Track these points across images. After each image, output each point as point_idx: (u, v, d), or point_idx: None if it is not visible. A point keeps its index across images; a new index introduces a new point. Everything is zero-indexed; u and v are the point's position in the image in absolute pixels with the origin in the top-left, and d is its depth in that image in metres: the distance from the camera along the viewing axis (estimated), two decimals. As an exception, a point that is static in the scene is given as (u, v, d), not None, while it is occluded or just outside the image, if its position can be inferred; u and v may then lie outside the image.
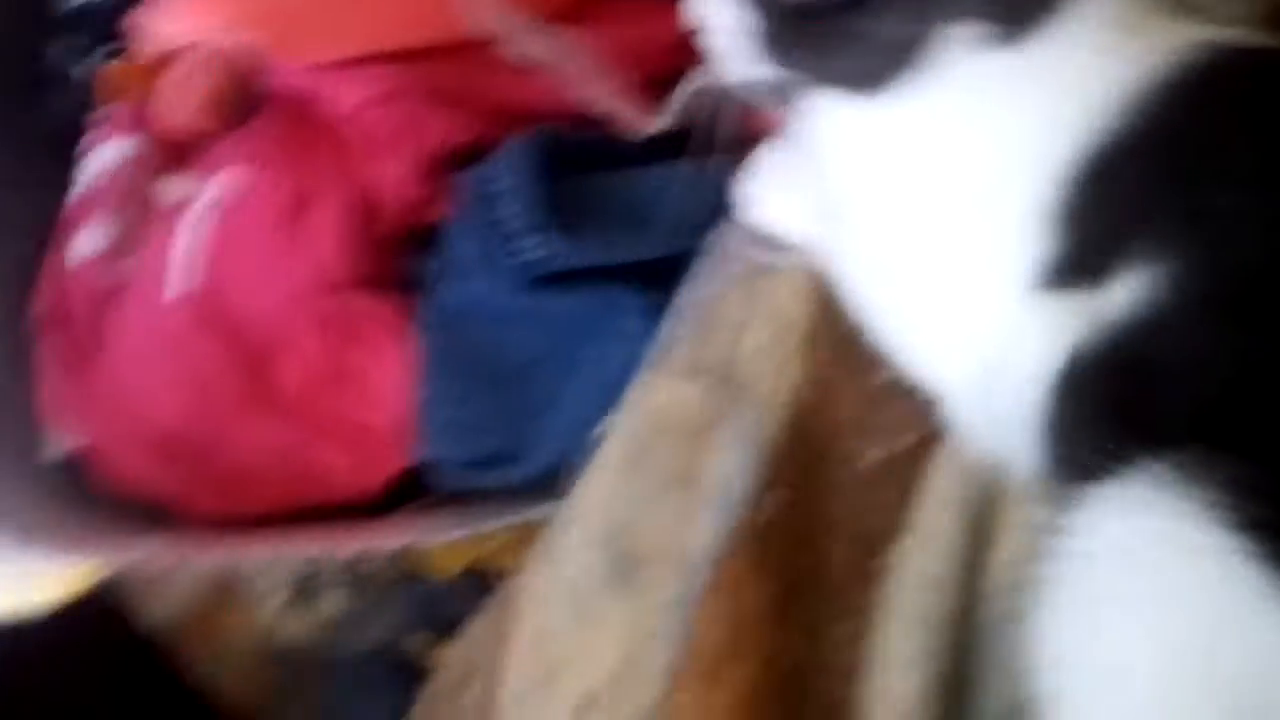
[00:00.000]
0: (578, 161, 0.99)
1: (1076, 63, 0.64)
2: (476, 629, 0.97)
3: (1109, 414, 0.61)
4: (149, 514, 1.09)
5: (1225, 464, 0.53)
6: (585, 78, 0.92)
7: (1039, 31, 0.64)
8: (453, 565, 1.12)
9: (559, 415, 0.96)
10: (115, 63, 1.16)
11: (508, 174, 0.96)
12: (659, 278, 0.97)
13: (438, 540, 0.97)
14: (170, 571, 1.18)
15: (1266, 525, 0.51)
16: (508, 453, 0.97)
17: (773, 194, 0.86)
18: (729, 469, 0.82)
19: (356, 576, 1.15)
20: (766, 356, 0.84)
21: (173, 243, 1.07)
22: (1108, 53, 0.64)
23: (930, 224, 0.69)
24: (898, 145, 0.69)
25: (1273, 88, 0.64)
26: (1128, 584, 0.54)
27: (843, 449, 0.82)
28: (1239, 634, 0.52)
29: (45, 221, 1.16)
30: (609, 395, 0.92)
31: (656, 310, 0.96)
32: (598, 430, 0.92)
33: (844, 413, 0.82)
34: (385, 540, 0.96)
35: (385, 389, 1.02)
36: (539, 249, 0.95)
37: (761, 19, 0.65)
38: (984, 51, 0.64)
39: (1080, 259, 0.63)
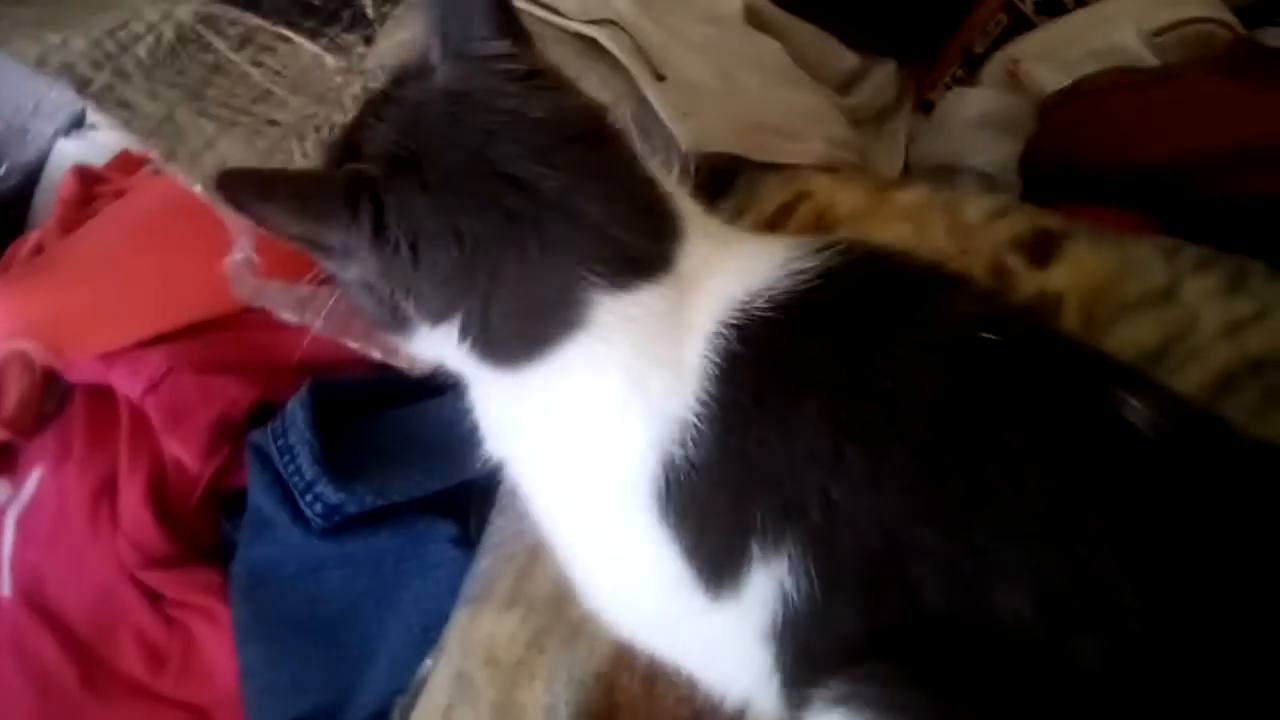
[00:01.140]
0: (362, 404, 1.01)
1: (600, 391, 0.64)
2: None
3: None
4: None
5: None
6: (353, 329, 0.95)
7: (531, 367, 0.64)
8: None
9: (381, 659, 0.97)
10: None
11: (290, 430, 0.98)
12: (460, 503, 0.99)
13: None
14: None
15: None
16: (333, 704, 0.97)
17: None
18: (549, 699, 0.82)
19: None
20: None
21: (-1, 545, 1.09)
22: (636, 373, 0.63)
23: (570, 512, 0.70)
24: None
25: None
26: None
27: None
28: None
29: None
30: (430, 631, 0.93)
31: (464, 536, 0.98)
32: (422, 669, 0.92)
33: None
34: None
35: (220, 655, 1.03)
36: (330, 497, 0.96)
37: None
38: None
39: (709, 571, 0.63)
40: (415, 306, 0.64)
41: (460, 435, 0.97)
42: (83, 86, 0.98)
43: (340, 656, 0.98)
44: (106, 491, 1.06)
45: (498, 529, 0.94)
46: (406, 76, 0.67)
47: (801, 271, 0.63)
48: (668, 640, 0.71)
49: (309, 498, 0.97)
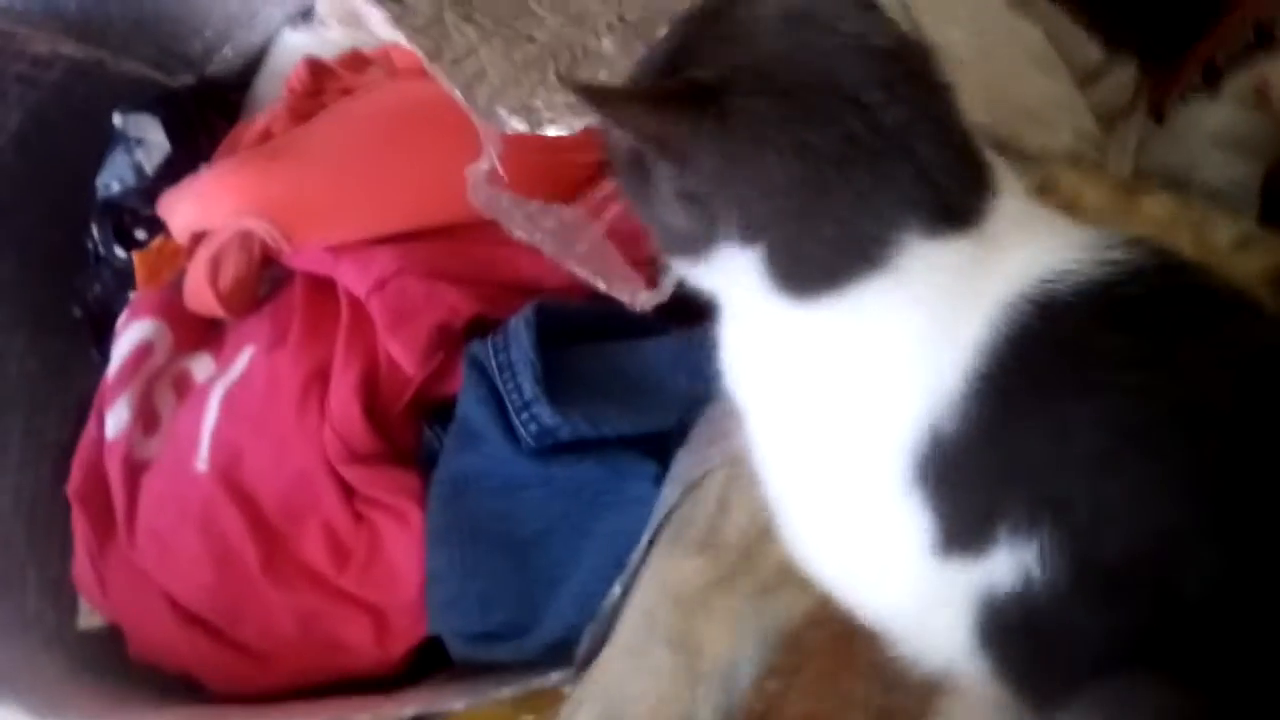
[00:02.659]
0: (579, 332, 1.01)
1: (887, 343, 0.63)
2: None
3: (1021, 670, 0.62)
4: (179, 685, 1.10)
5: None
6: (582, 256, 0.94)
7: (826, 300, 0.62)
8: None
9: (571, 585, 0.96)
10: (150, 246, 1.21)
11: (512, 347, 0.98)
12: (666, 445, 0.98)
13: (447, 711, 0.96)
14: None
15: None
16: (519, 625, 0.97)
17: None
18: (734, 650, 0.81)
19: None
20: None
21: (200, 418, 1.11)
22: (925, 335, 0.62)
23: (809, 469, 0.68)
24: (785, 357, 0.67)
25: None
26: None
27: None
28: None
29: (87, 401, 1.21)
30: (621, 564, 0.93)
31: (665, 477, 0.98)
32: (609, 599, 0.92)
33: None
34: (398, 710, 0.95)
35: (406, 559, 1.03)
36: (546, 419, 0.96)
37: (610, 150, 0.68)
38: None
39: (956, 536, 0.62)
40: (739, 218, 0.62)
41: (674, 380, 0.98)
42: (359, -25, 0.98)
43: (530, 578, 0.98)
44: (318, 381, 1.06)
45: (683, 461, 0.94)
46: None
47: (1112, 262, 0.61)
48: (881, 596, 0.69)
49: (524, 416, 0.97)
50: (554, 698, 1.03)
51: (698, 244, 0.65)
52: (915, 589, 0.65)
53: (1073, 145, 1.09)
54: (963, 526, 0.61)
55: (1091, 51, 1.28)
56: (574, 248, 0.95)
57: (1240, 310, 0.62)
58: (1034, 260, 0.62)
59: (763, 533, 0.83)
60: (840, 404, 0.65)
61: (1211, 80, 1.37)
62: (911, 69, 0.63)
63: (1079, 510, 0.58)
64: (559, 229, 0.95)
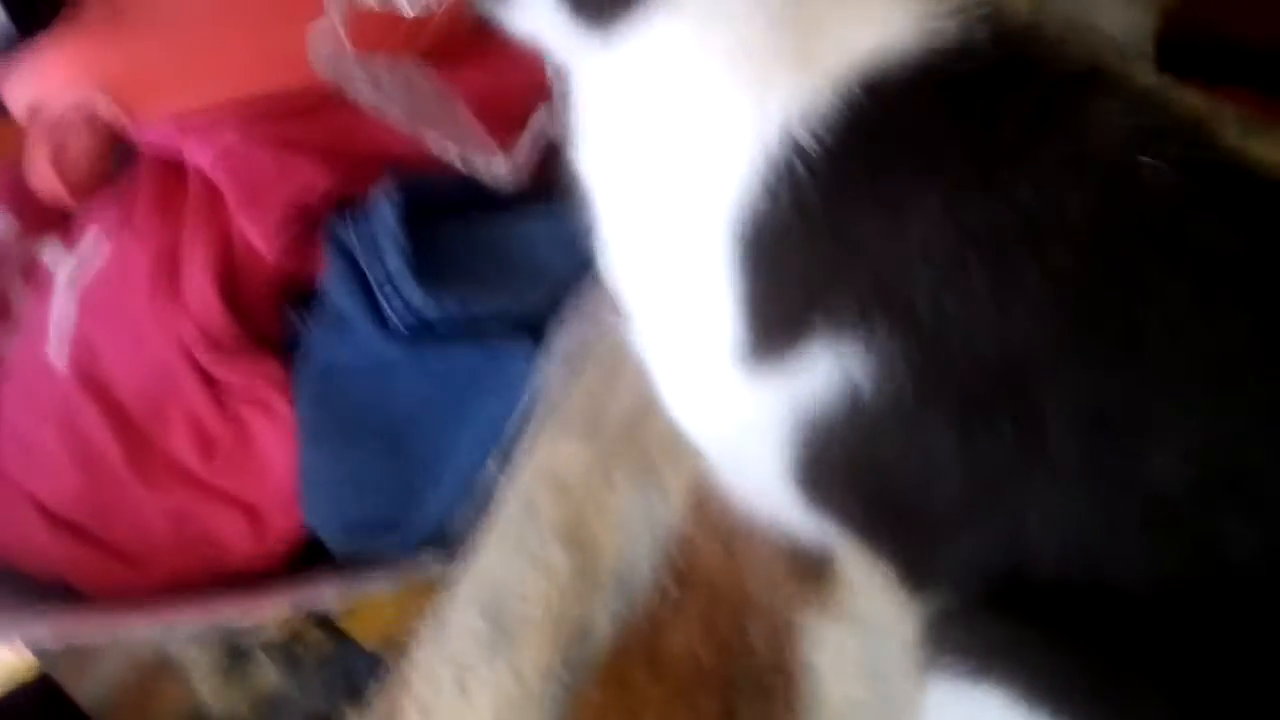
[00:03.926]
0: (447, 209, 0.95)
1: (692, 85, 0.57)
2: (376, 706, 0.92)
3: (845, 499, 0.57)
4: (53, 590, 1.05)
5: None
6: (433, 121, 0.88)
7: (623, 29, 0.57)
8: (371, 635, 1.08)
9: (449, 471, 0.92)
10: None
11: (374, 222, 0.92)
12: (541, 323, 0.93)
13: (320, 606, 0.92)
14: (106, 649, 1.15)
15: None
16: (396, 515, 0.93)
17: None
18: (632, 553, 0.77)
19: (287, 649, 1.11)
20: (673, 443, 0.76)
21: (49, 307, 1.04)
22: (737, 79, 0.56)
23: (639, 252, 0.63)
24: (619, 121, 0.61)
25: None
26: None
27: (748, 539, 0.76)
28: None
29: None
30: (497, 446, 0.89)
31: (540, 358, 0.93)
32: (483, 479, 0.88)
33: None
34: (270, 608, 0.91)
35: (276, 450, 0.98)
36: (413, 298, 0.91)
37: None
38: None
39: (764, 332, 0.56)
40: None
41: (547, 256, 0.93)
42: None
43: (404, 464, 0.94)
44: (169, 263, 1.00)
45: (560, 338, 0.91)
46: None
47: (940, 34, 0.53)
48: (712, 423, 0.64)
49: (390, 293, 0.92)
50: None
51: None
52: (729, 406, 0.60)
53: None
54: (775, 318, 0.55)
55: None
56: (422, 112, 0.89)
57: (1095, 88, 0.54)
58: (862, 31, 0.55)
59: (646, 407, 0.78)
60: (661, 168, 0.59)
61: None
62: None
63: (919, 312, 0.51)
64: (405, 92, 0.89)
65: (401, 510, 0.93)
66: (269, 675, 1.12)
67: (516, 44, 1.00)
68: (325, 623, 1.12)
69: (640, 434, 0.80)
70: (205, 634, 1.16)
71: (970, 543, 0.53)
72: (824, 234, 0.54)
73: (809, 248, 0.54)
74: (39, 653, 1.16)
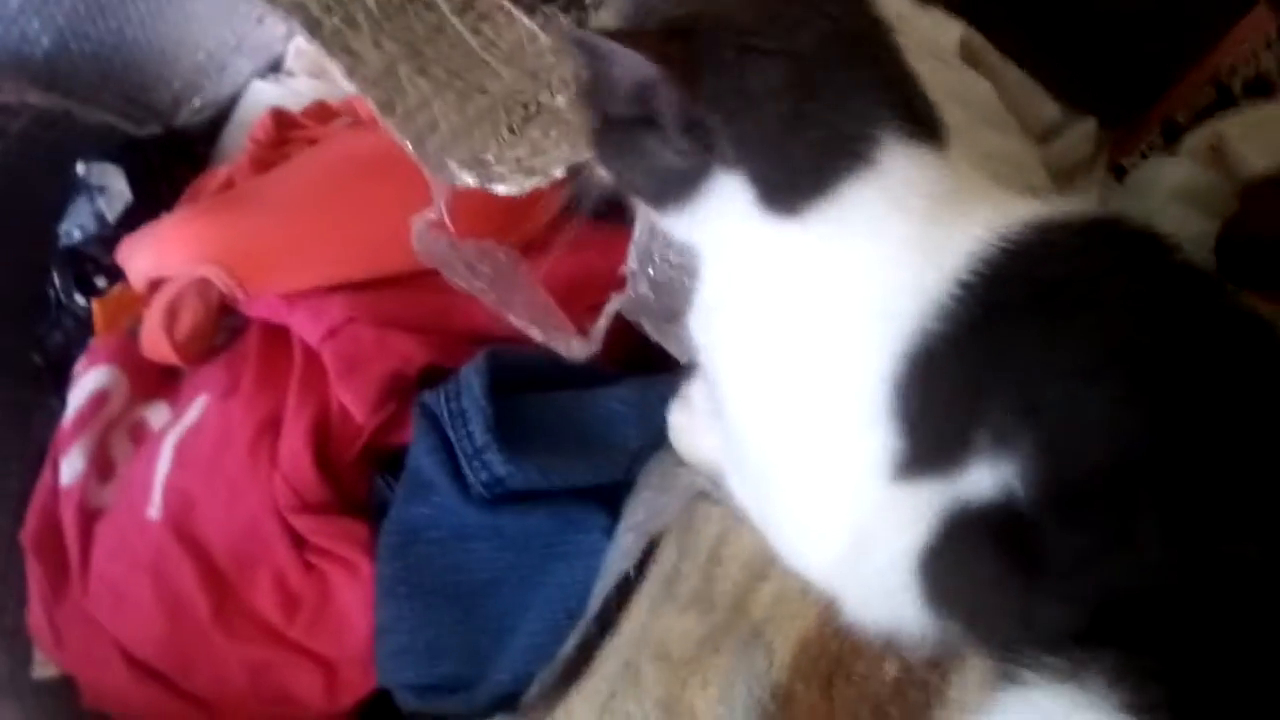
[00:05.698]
0: (531, 381, 1.01)
1: (875, 247, 0.65)
2: None
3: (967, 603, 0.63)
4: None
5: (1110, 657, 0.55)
6: (519, 304, 0.95)
7: (815, 208, 0.65)
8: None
9: (519, 636, 0.96)
10: (110, 294, 1.21)
11: (464, 395, 0.98)
12: (615, 495, 0.98)
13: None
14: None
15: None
16: (466, 676, 0.96)
17: (697, 422, 0.88)
18: (725, 711, 0.79)
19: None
20: (783, 604, 0.82)
21: (153, 466, 1.11)
22: (913, 239, 0.65)
23: (780, 399, 0.70)
24: (755, 304, 0.70)
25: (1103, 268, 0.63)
26: None
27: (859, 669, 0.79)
28: None
29: (46, 450, 1.20)
30: (574, 616, 0.93)
31: (616, 528, 0.97)
32: (565, 648, 0.91)
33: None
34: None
35: (356, 610, 1.02)
36: (497, 468, 0.96)
37: (594, 120, 0.71)
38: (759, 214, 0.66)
39: (926, 452, 0.63)
40: (731, 134, 0.65)
41: (624, 430, 0.98)
42: (313, 28, 1.00)
43: (479, 629, 0.97)
44: (270, 429, 1.06)
45: (637, 511, 0.94)
46: None
47: (1076, 214, 0.65)
48: (824, 539, 0.70)
49: (475, 464, 0.97)
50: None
51: (690, 182, 0.68)
52: (862, 523, 0.66)
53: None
54: (938, 439, 0.63)
55: (1049, 109, 1.30)
56: (511, 295, 0.96)
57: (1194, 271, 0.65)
58: (993, 210, 0.65)
59: (755, 578, 0.84)
60: (823, 328, 0.67)
61: (1172, 138, 1.39)
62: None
63: (1054, 418, 0.59)
64: (496, 276, 0.96)
65: (472, 673, 0.96)
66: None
67: (596, 235, 1.08)
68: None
69: (748, 603, 0.83)
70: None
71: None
72: (983, 355, 0.62)
73: (968, 369, 0.62)
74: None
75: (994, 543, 0.61)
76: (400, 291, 1.09)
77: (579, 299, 1.02)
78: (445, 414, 0.98)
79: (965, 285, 0.62)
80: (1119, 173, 1.38)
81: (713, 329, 0.73)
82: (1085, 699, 0.54)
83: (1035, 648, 0.58)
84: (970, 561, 0.62)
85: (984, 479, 0.61)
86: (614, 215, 1.17)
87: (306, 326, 1.06)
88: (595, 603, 0.91)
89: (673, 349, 0.93)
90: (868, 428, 0.64)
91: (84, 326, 1.23)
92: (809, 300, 0.67)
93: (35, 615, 1.13)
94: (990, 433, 0.60)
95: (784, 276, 0.68)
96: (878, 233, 0.65)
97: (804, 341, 0.68)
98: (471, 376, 0.98)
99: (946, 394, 0.62)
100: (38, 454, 1.23)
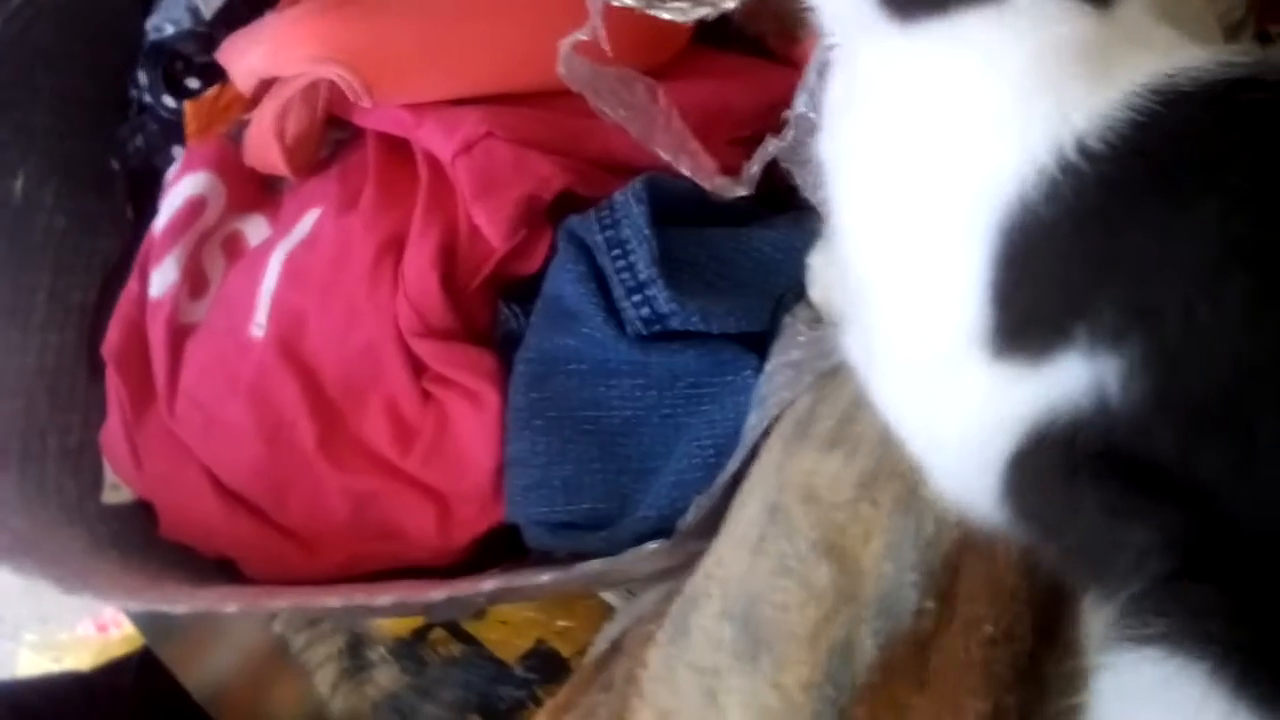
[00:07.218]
0: (682, 216, 0.94)
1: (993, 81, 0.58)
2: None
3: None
4: (213, 568, 1.04)
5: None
6: (664, 134, 0.88)
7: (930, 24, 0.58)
8: (517, 645, 1.08)
9: (664, 475, 0.91)
10: (204, 96, 1.12)
11: (623, 224, 0.91)
12: (761, 337, 0.93)
13: (491, 594, 0.90)
14: (219, 637, 1.13)
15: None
16: (606, 514, 0.91)
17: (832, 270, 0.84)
18: (898, 576, 0.76)
19: (412, 652, 1.10)
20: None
21: (257, 283, 1.04)
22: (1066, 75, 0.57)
23: (888, 230, 0.64)
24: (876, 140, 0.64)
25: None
26: None
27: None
28: None
29: (124, 257, 1.13)
30: (723, 455, 0.88)
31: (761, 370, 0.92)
32: (723, 475, 0.87)
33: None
34: (475, 586, 0.89)
35: (476, 444, 0.96)
36: (660, 305, 0.90)
37: None
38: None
39: (1018, 331, 0.58)
40: None
41: (776, 275, 0.93)
42: None
43: (619, 468, 0.92)
44: (392, 249, 0.99)
45: (783, 349, 0.90)
46: None
47: (1240, 64, 0.56)
48: (928, 415, 0.66)
49: (637, 299, 0.91)
50: (586, 605, 1.03)
51: None
52: (953, 396, 0.62)
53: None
54: (1032, 321, 0.58)
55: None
56: (656, 124, 0.89)
57: None
58: (1156, 56, 0.57)
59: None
60: (933, 157, 0.61)
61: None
62: None
63: (1169, 325, 0.53)
64: (637, 105, 0.89)
65: (612, 511, 0.92)
66: (392, 676, 1.10)
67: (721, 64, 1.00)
68: (453, 625, 1.11)
69: (895, 461, 0.79)
70: (331, 629, 1.15)
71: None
72: (1094, 238, 0.56)
73: (1077, 251, 0.56)
74: (150, 633, 1.15)
75: (1082, 456, 0.56)
76: (535, 110, 1.01)
77: (714, 132, 0.95)
78: (600, 243, 0.92)
79: (1086, 152, 0.55)
80: (1263, 39, 1.32)
81: (834, 142, 0.68)
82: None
83: (1127, 580, 0.55)
84: (1053, 473, 0.58)
85: (1078, 378, 0.55)
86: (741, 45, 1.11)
87: (437, 140, 0.98)
88: (754, 433, 0.86)
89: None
90: (968, 288, 0.59)
91: (169, 131, 1.14)
92: (918, 130, 0.61)
93: (113, 435, 1.07)
94: (1092, 329, 0.55)
95: (897, 93, 0.62)
96: (991, 70, 0.58)
97: (909, 175, 0.62)
98: (631, 204, 0.92)
99: (1047, 272, 0.57)
100: (104, 268, 1.16)
